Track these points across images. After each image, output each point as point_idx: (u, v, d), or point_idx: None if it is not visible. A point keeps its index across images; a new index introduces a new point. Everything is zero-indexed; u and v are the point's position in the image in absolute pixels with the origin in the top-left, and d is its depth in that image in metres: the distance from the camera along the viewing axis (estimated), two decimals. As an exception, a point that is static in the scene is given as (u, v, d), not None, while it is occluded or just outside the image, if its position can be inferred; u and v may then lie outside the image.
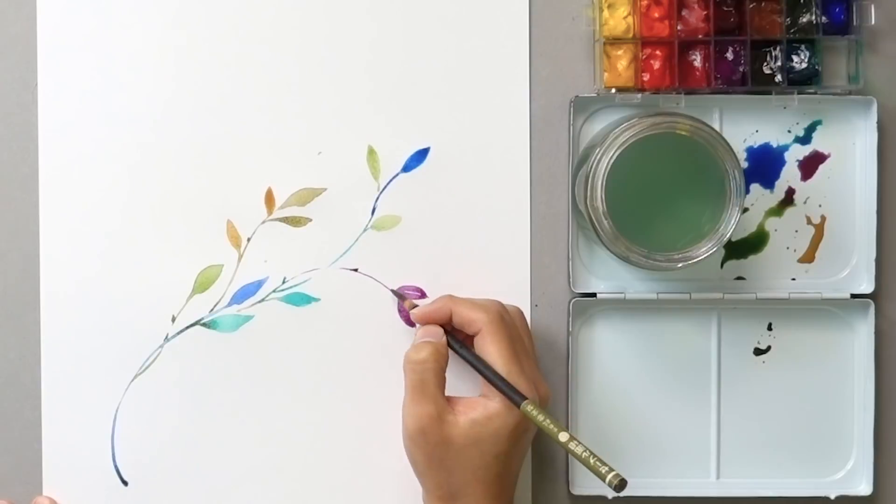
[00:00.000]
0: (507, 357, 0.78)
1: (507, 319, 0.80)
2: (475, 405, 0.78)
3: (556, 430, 0.76)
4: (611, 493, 0.85)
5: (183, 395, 0.85)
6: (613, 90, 0.84)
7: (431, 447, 0.78)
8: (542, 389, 0.79)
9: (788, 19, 0.84)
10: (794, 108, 0.85)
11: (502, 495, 0.79)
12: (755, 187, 0.85)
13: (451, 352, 0.80)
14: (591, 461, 0.74)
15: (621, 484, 0.73)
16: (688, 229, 0.80)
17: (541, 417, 0.76)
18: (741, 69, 0.84)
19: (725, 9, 0.84)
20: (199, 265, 0.85)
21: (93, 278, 0.85)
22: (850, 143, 0.86)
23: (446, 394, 0.79)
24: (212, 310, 0.85)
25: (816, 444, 0.86)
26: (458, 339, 0.81)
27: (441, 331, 0.81)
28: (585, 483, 0.85)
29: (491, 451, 0.77)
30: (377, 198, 0.85)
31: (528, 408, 0.76)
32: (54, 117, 0.85)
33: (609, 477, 0.73)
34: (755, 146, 0.85)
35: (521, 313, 0.83)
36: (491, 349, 0.78)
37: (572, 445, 0.75)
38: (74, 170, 0.85)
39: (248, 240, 0.85)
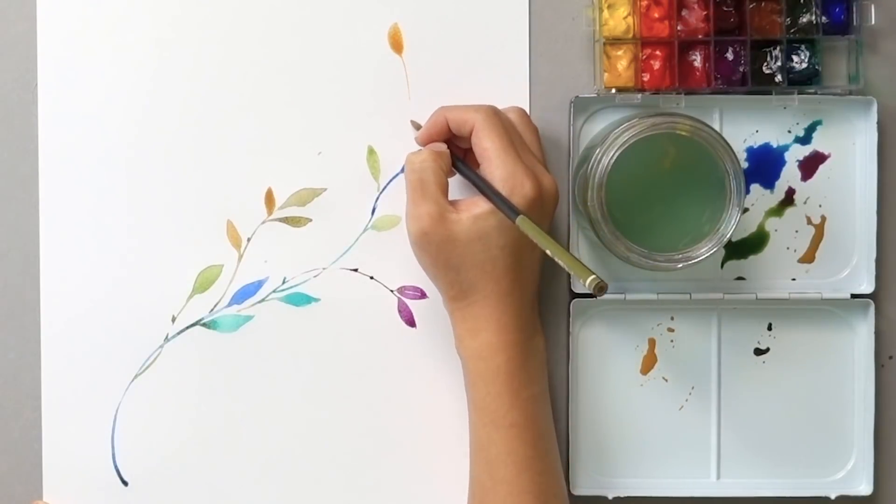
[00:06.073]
0: (502, 147, 0.77)
1: (501, 115, 0.79)
2: (477, 202, 0.78)
3: (545, 242, 0.74)
4: (611, 494, 0.85)
5: (183, 395, 0.85)
6: (613, 90, 0.84)
7: (436, 247, 0.77)
8: (545, 181, 0.78)
9: (788, 19, 0.84)
10: (794, 108, 0.85)
11: (515, 290, 0.78)
12: (755, 187, 0.85)
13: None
14: (577, 268, 0.73)
15: (600, 287, 0.72)
16: (688, 229, 0.80)
17: (533, 231, 0.75)
18: (741, 69, 0.84)
19: (725, 9, 0.84)
20: (199, 265, 0.85)
21: (93, 278, 0.85)
22: (850, 143, 0.86)
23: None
24: (212, 310, 0.85)
25: (816, 444, 0.86)
26: (458, 156, 0.81)
27: (443, 144, 0.80)
28: (586, 483, 0.85)
29: (496, 243, 0.77)
30: (377, 198, 0.85)
31: (523, 223, 0.75)
32: (54, 117, 0.85)
33: (589, 280, 0.72)
34: (755, 146, 0.85)
35: (523, 111, 0.82)
36: (486, 144, 0.77)
37: (560, 255, 0.74)
38: (74, 170, 0.85)
39: (248, 240, 0.85)
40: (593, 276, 0.72)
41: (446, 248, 0.77)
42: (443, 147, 0.80)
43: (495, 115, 0.79)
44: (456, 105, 0.81)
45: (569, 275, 0.84)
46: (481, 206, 0.77)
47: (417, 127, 0.83)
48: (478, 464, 0.78)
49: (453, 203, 0.78)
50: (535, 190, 0.77)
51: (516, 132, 0.80)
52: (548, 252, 0.74)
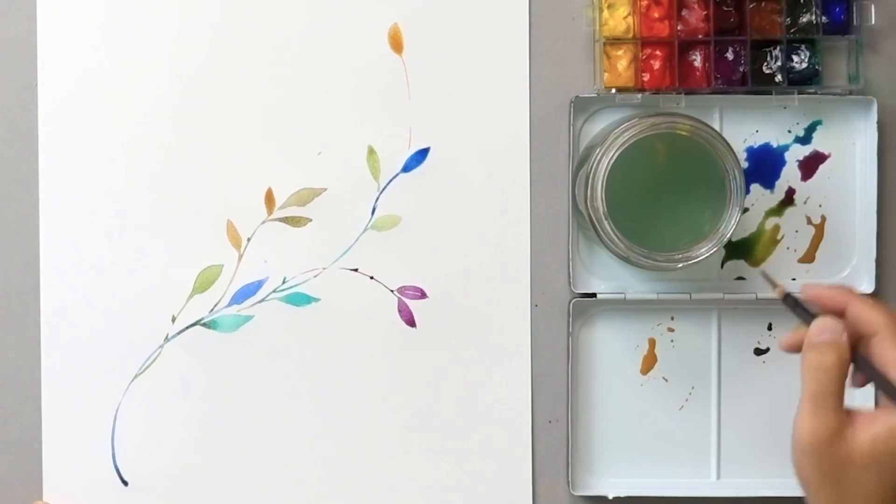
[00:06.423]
0: None
1: None
2: (877, 419, 0.69)
3: None
4: (611, 494, 0.85)
5: (183, 395, 0.85)
6: (613, 90, 0.84)
7: (827, 465, 0.69)
8: None
9: (788, 19, 0.84)
10: (794, 108, 0.85)
11: None
12: (755, 187, 0.85)
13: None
14: None
15: None
16: (688, 229, 0.80)
17: None
18: (741, 69, 0.84)
19: (725, 9, 0.84)
20: (199, 265, 0.85)
21: (93, 278, 0.85)
22: (850, 143, 0.86)
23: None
24: (212, 310, 0.85)
25: (816, 444, 0.86)
26: (859, 352, 0.71)
27: (841, 326, 0.70)
28: (586, 483, 0.85)
29: (893, 476, 0.68)
30: (377, 198, 0.85)
31: None
32: (54, 117, 0.85)
33: None
34: (755, 146, 0.85)
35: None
36: (893, 353, 0.69)
37: None
38: (74, 170, 0.85)
39: (248, 240, 0.85)
40: None
41: (837, 469, 0.69)
42: (844, 343, 0.70)
43: None
44: (859, 296, 0.72)
45: (569, 274, 0.85)
46: (881, 424, 0.68)
47: (767, 279, 0.75)
48: None
49: (849, 414, 0.69)
50: None
51: None
52: None
